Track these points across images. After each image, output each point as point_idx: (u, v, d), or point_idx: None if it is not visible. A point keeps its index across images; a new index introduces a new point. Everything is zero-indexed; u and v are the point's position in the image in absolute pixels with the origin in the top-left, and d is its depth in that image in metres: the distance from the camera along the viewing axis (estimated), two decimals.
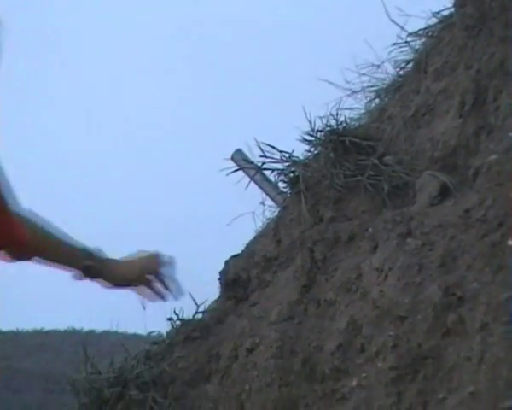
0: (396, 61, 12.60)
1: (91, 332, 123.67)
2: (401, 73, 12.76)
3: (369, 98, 13.18)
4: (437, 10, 12.22)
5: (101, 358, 14.57)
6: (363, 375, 9.52)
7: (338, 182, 11.36)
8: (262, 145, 12.16)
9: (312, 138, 11.94)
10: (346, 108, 12.50)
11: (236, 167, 12.58)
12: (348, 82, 12.97)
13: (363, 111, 13.15)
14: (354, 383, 9.54)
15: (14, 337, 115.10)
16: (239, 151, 12.64)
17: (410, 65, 12.50)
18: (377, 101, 13.03)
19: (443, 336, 8.87)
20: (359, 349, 9.61)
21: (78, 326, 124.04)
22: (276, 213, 12.93)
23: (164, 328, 13.62)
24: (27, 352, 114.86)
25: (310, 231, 11.44)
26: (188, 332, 12.74)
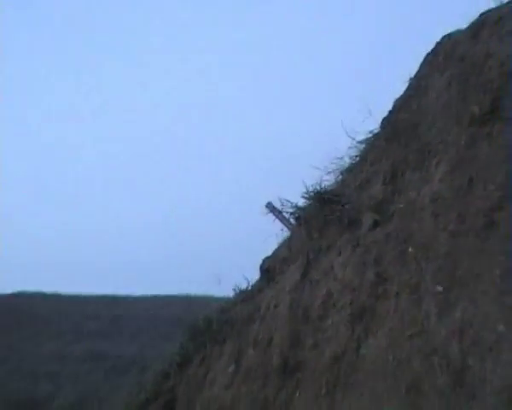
0: (350, 156, 13.42)
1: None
2: (353, 161, 13.50)
3: (337, 174, 13.74)
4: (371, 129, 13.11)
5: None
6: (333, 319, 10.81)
7: (321, 218, 12.33)
8: (282, 199, 13.39)
9: (307, 195, 12.82)
10: (325, 180, 13.34)
11: (268, 211, 13.66)
12: (325, 166, 13.53)
13: (333, 181, 13.68)
14: (330, 321, 10.87)
15: None
16: (269, 203, 13.90)
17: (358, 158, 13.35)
18: (341, 176, 13.65)
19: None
20: (332, 305, 10.92)
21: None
22: (288, 235, 14.07)
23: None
24: None
25: (306, 244, 12.50)
26: (244, 297, 13.81)
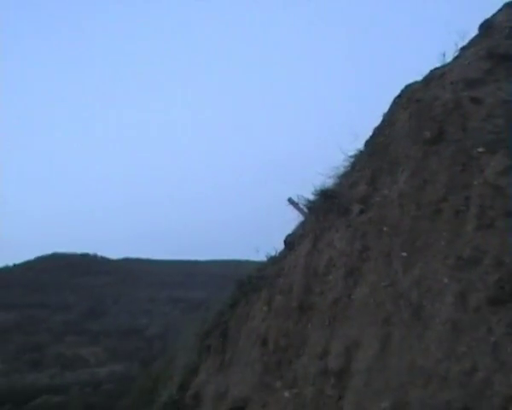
0: (344, 166, 12.98)
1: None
2: (346, 169, 12.98)
3: (335, 178, 13.01)
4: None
5: None
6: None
7: (324, 208, 12.19)
8: (298, 195, 13.44)
9: (315, 192, 12.78)
10: (327, 182, 12.98)
11: (289, 204, 13.56)
12: (327, 173, 13.00)
13: (332, 182, 12.90)
14: (331, 277, 10.87)
15: None
16: (290, 198, 13.60)
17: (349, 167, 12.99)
18: (338, 179, 12.93)
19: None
20: (333, 265, 10.95)
21: None
22: (302, 219, 13.65)
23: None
24: None
25: (315, 225, 12.30)
26: (273, 260, 13.58)
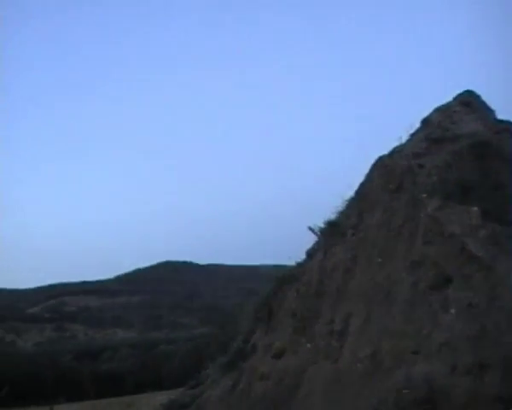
0: (341, 206, 12.07)
1: None
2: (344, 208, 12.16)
3: (337, 213, 12.04)
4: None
5: None
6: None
7: (330, 231, 11.81)
8: (314, 225, 12.66)
9: (325, 221, 12.16)
10: (332, 214, 12.19)
11: (309, 229, 13.11)
12: (333, 208, 12.26)
13: (335, 216, 12.06)
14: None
15: None
16: (309, 226, 12.71)
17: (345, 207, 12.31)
18: (338, 214, 12.05)
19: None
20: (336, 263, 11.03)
21: None
22: (317, 239, 12.54)
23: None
24: None
25: (325, 243, 11.80)
26: (299, 264, 12.77)
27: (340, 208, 12.20)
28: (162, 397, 17.90)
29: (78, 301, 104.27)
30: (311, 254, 12.59)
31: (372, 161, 11.51)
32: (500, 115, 11.07)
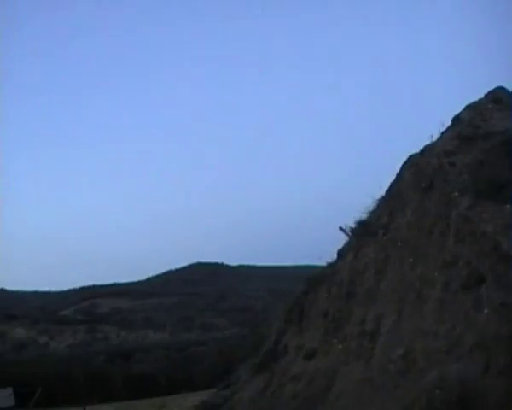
0: (372, 206, 12.12)
1: None
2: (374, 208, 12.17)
3: (368, 213, 12.17)
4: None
5: None
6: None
7: (361, 232, 11.92)
8: (346, 224, 12.86)
9: (356, 222, 12.32)
10: (363, 215, 12.21)
11: (340, 229, 13.01)
12: (364, 208, 12.26)
13: (366, 215, 12.13)
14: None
15: None
16: (340, 226, 12.92)
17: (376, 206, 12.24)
18: (369, 214, 12.10)
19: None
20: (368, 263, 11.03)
21: None
22: (348, 239, 12.71)
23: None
24: None
25: (356, 243, 11.94)
26: (330, 264, 12.86)
27: (371, 208, 12.25)
28: (194, 398, 18.17)
29: (109, 303, 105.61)
30: (342, 254, 12.61)
31: (403, 159, 11.59)
32: None
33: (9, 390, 19.05)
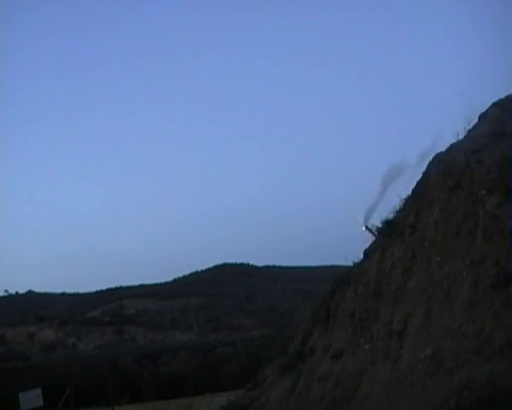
0: (399, 205, 12.18)
1: None
2: (399, 208, 12.19)
3: (393, 213, 12.21)
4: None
5: None
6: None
7: (387, 231, 11.91)
8: (372, 224, 13.03)
9: (382, 221, 12.39)
10: (389, 215, 12.33)
11: (364, 228, 13.13)
12: (390, 208, 12.44)
13: (393, 215, 12.20)
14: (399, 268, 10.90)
15: None
16: (366, 225, 13.10)
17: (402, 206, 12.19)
18: (395, 213, 12.16)
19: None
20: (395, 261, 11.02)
21: None
22: (374, 239, 12.80)
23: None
24: None
25: (383, 241, 11.89)
26: (355, 265, 12.90)
27: (398, 207, 12.26)
28: (221, 399, 18.24)
29: (137, 305, 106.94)
30: (368, 254, 12.60)
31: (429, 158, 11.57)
32: None
33: (38, 391, 19.52)
